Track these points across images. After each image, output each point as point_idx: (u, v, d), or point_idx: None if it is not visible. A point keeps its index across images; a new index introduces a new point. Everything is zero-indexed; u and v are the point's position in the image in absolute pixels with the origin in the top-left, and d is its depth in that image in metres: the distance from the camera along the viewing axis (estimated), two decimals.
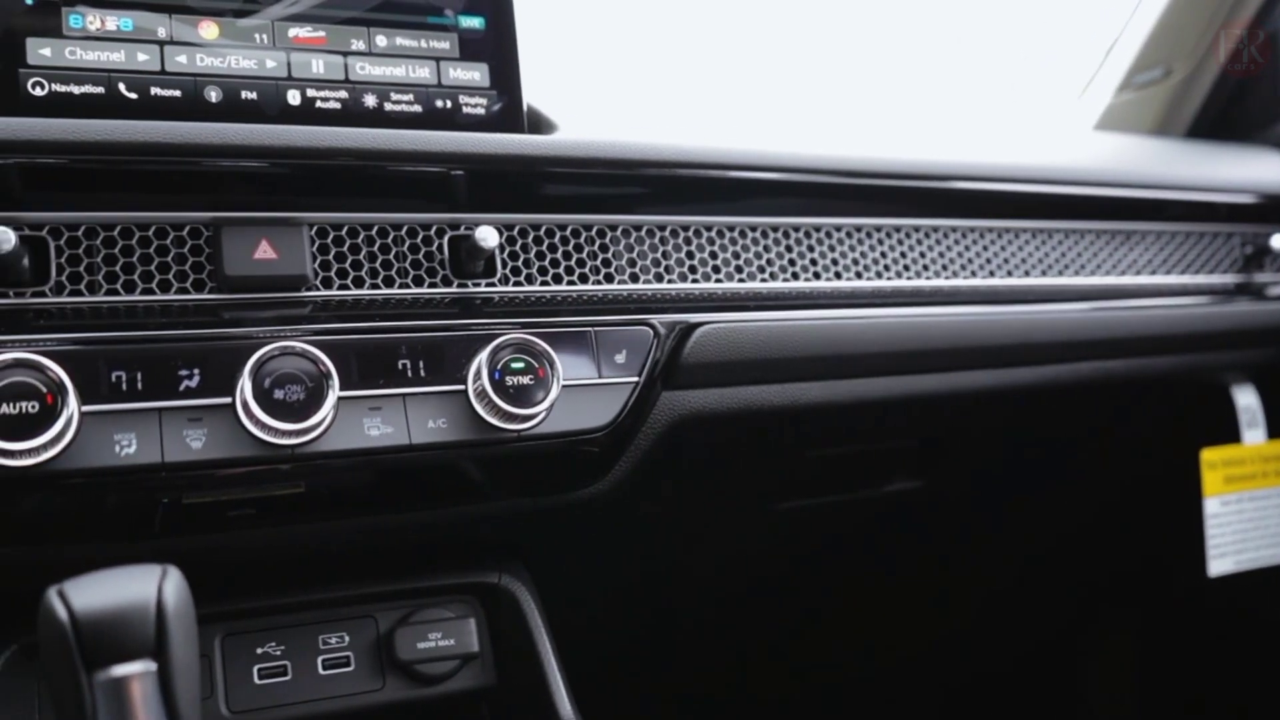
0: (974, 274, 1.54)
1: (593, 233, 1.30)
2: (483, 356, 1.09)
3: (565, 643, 1.30)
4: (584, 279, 1.28)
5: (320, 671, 1.21)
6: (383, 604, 1.26)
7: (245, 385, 1.00)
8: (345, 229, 1.18)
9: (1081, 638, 2.27)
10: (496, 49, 1.28)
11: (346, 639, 1.23)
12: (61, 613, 0.76)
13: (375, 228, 1.20)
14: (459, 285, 1.21)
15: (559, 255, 1.28)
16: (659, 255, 1.33)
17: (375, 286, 1.18)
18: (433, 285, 1.20)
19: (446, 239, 1.22)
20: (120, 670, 0.76)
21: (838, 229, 1.46)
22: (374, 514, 1.19)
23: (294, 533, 1.18)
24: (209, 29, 1.17)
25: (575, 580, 1.45)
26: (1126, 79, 2.20)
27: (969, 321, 1.47)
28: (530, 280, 1.25)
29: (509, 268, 1.25)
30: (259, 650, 1.19)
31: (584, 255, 1.29)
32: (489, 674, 1.27)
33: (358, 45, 1.23)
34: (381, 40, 1.24)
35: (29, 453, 0.93)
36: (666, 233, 1.34)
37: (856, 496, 1.69)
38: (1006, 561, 2.10)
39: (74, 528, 1.06)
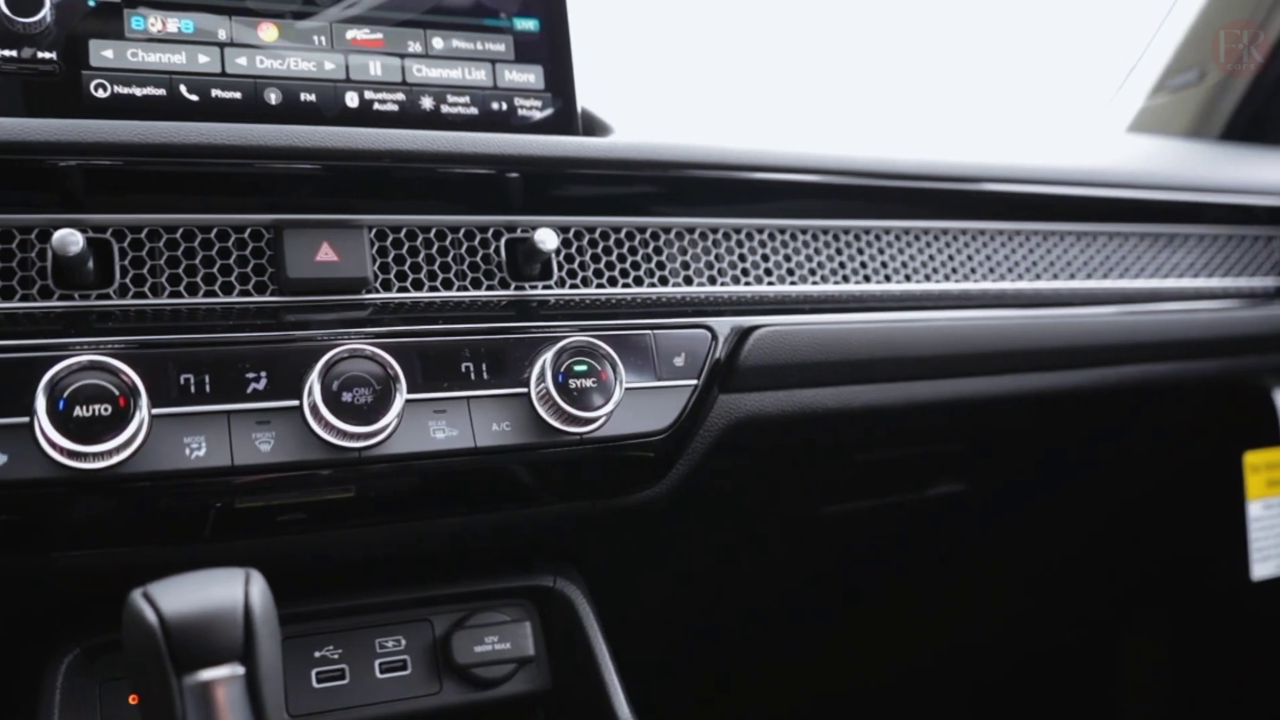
0: (1020, 277, 1.54)
1: (646, 235, 1.30)
2: (547, 359, 1.09)
3: (613, 644, 1.30)
4: (639, 281, 1.28)
5: (378, 675, 1.21)
6: (438, 607, 1.25)
7: (314, 388, 0.99)
8: (404, 231, 1.18)
9: (1115, 639, 2.26)
10: (551, 51, 1.28)
11: (403, 642, 1.23)
12: (150, 616, 0.75)
13: (433, 230, 1.19)
14: (516, 287, 1.21)
15: (614, 258, 1.27)
16: (711, 258, 1.33)
17: (434, 289, 1.18)
18: (490, 288, 1.20)
19: (503, 241, 1.22)
20: (209, 674, 0.76)
21: (886, 232, 1.46)
22: (428, 518, 1.19)
23: (346, 537, 1.18)
24: (268, 31, 1.17)
25: (623, 582, 1.44)
26: (1161, 82, 2.20)
27: (1017, 325, 1.47)
28: (586, 283, 1.25)
29: (565, 270, 1.24)
30: (317, 654, 1.19)
31: (638, 258, 1.29)
32: (544, 678, 1.27)
33: (414, 47, 1.23)
34: (438, 42, 1.24)
35: (101, 455, 0.92)
36: (719, 235, 1.34)
37: (900, 500, 1.68)
38: (1042, 562, 2.10)
39: (129, 532, 1.06)
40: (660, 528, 1.41)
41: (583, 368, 1.10)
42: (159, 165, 1.07)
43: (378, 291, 1.15)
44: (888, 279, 1.44)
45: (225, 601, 0.77)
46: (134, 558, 1.08)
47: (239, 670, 0.77)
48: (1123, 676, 2.27)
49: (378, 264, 1.16)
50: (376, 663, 1.21)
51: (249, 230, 1.12)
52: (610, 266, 1.27)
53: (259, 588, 0.80)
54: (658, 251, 1.30)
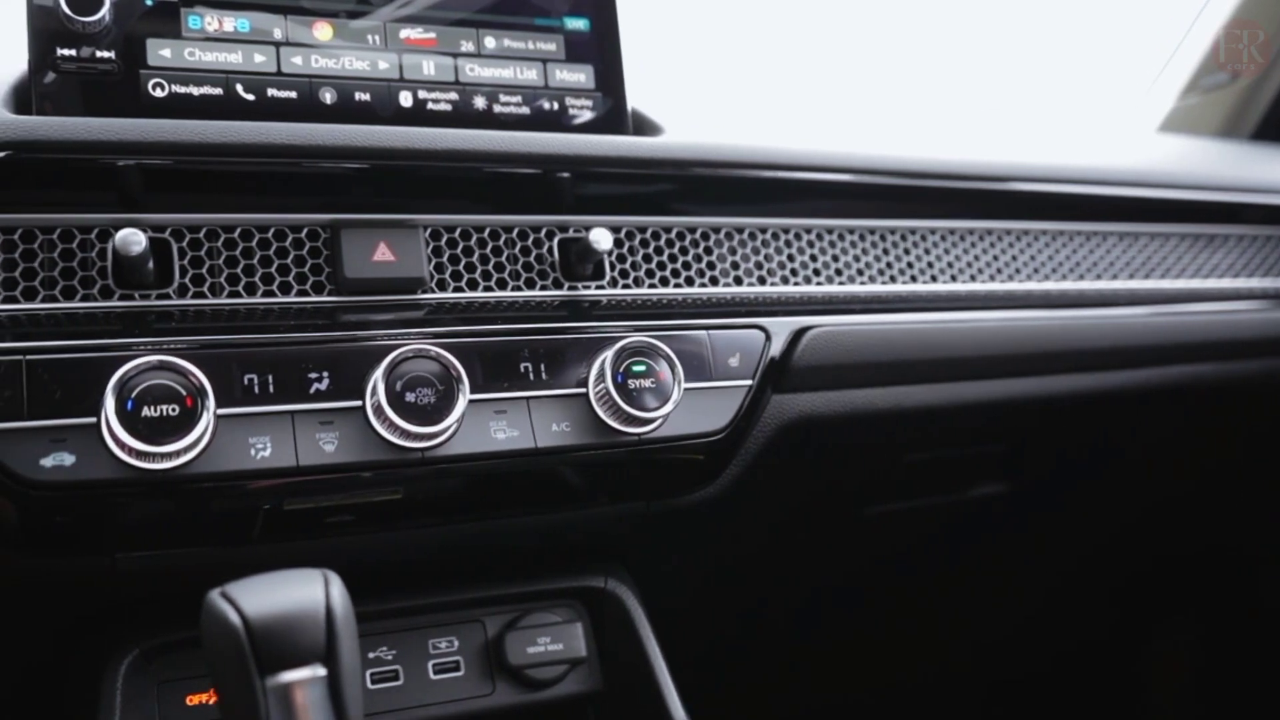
0: (1064, 278, 1.54)
1: (697, 235, 1.30)
2: (607, 359, 1.08)
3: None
4: (690, 281, 1.28)
5: (431, 676, 1.20)
6: (489, 608, 1.25)
7: (379, 388, 0.99)
8: (458, 231, 1.18)
9: (1149, 641, 2.26)
10: (601, 51, 1.28)
11: (456, 643, 1.22)
12: (234, 617, 0.75)
13: (487, 229, 1.19)
14: (569, 287, 1.20)
15: (665, 258, 1.27)
16: (761, 258, 1.33)
17: (488, 289, 1.17)
18: (544, 288, 1.20)
19: (556, 241, 1.21)
20: (292, 675, 0.76)
21: (932, 232, 1.45)
22: (482, 519, 1.19)
23: (399, 538, 1.18)
24: (323, 30, 1.17)
25: (664, 582, 1.43)
26: (1192, 82, 2.19)
27: (1063, 325, 1.47)
28: (638, 283, 1.25)
29: (617, 270, 1.24)
30: (371, 655, 1.19)
31: (689, 258, 1.28)
32: (595, 679, 1.26)
33: (467, 47, 1.22)
34: (490, 42, 1.23)
35: (168, 456, 0.92)
36: (767, 235, 1.34)
37: (942, 501, 1.68)
38: (1079, 562, 2.09)
39: (191, 534, 1.05)
40: (704, 528, 1.41)
41: (641, 368, 1.10)
42: (217, 165, 1.07)
43: (433, 291, 1.14)
44: (933, 279, 1.43)
45: (308, 602, 0.77)
46: (190, 559, 1.08)
47: (320, 672, 0.77)
48: (1155, 677, 2.26)
49: (433, 264, 1.15)
50: (430, 664, 1.21)
51: (306, 230, 1.11)
52: (661, 266, 1.26)
53: (338, 589, 0.80)
54: (708, 252, 1.29)
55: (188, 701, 1.10)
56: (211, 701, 1.10)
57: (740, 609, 1.75)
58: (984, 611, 2.12)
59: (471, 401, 1.03)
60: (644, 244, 1.26)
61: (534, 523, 1.21)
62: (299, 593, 0.78)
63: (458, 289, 1.16)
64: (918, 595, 1.99)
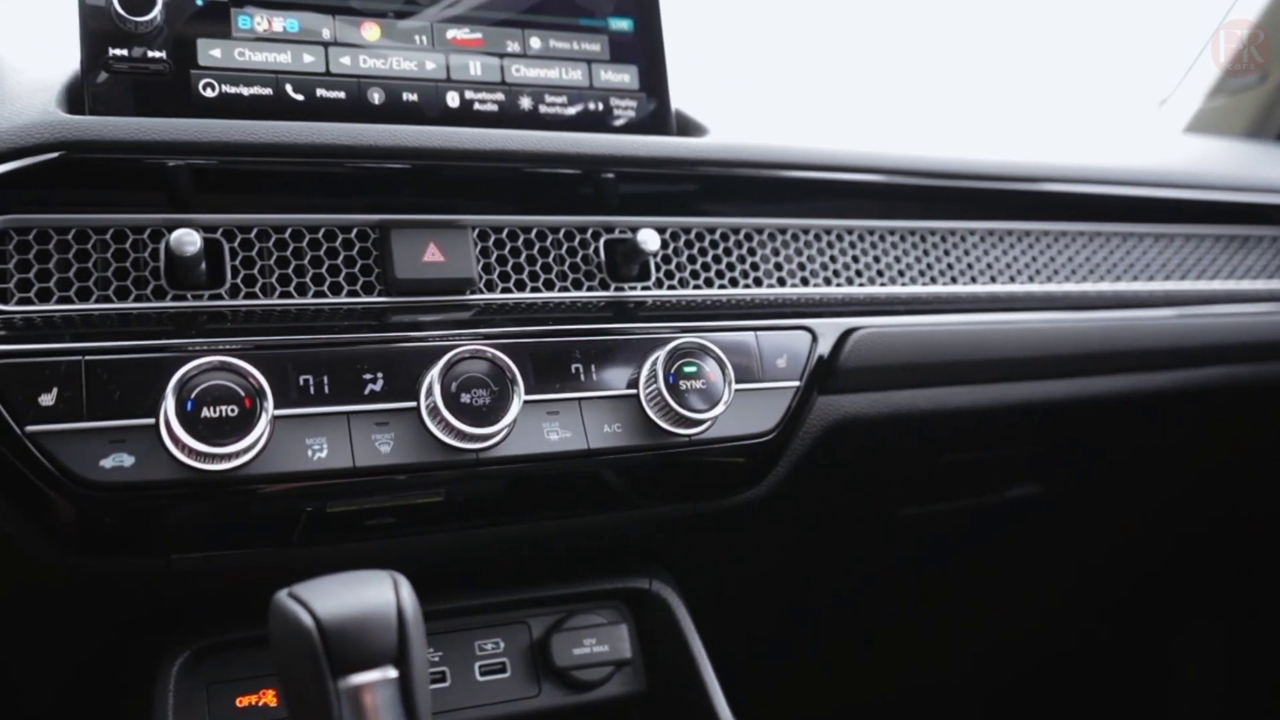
0: (1101, 279, 1.54)
1: (740, 236, 1.29)
2: (659, 360, 1.08)
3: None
4: (734, 283, 1.27)
5: (478, 677, 1.20)
6: (534, 610, 1.25)
7: (435, 388, 0.99)
8: (505, 231, 1.17)
9: (1177, 641, 2.26)
10: (645, 51, 1.28)
11: (502, 645, 1.22)
12: (306, 618, 0.75)
13: (534, 230, 1.19)
14: (615, 288, 1.20)
15: (709, 259, 1.27)
16: (804, 259, 1.32)
17: (535, 289, 1.17)
18: (590, 288, 1.19)
19: (602, 242, 1.21)
20: (364, 677, 0.75)
21: (971, 233, 1.45)
22: (530, 521, 1.18)
23: (444, 540, 1.17)
24: (371, 30, 1.17)
25: (707, 582, 1.43)
26: (1220, 83, 2.19)
27: (1103, 326, 1.47)
28: (683, 284, 1.24)
29: (662, 271, 1.24)
30: None
31: (733, 259, 1.28)
32: (640, 680, 1.26)
33: (513, 47, 1.22)
34: (536, 42, 1.23)
35: (227, 457, 0.92)
36: (810, 236, 1.34)
37: (978, 502, 1.68)
38: (1105, 561, 2.09)
39: (246, 535, 1.05)
40: (745, 529, 1.40)
41: (692, 369, 1.09)
42: (267, 165, 1.07)
43: (482, 292, 1.14)
44: (973, 280, 1.43)
45: (379, 604, 0.77)
46: (243, 561, 1.07)
47: (391, 674, 0.77)
48: (1180, 676, 2.26)
49: (481, 264, 1.15)
50: (476, 665, 1.21)
51: (355, 230, 1.11)
52: (706, 268, 1.26)
53: (408, 590, 0.79)
54: (751, 253, 1.29)
55: (238, 703, 1.10)
56: (261, 703, 1.10)
57: (776, 608, 1.75)
58: (1013, 609, 2.11)
59: (525, 403, 1.03)
60: (689, 245, 1.26)
61: (579, 524, 1.21)
62: (370, 594, 0.77)
63: (506, 289, 1.15)
64: (949, 594, 1.98)
